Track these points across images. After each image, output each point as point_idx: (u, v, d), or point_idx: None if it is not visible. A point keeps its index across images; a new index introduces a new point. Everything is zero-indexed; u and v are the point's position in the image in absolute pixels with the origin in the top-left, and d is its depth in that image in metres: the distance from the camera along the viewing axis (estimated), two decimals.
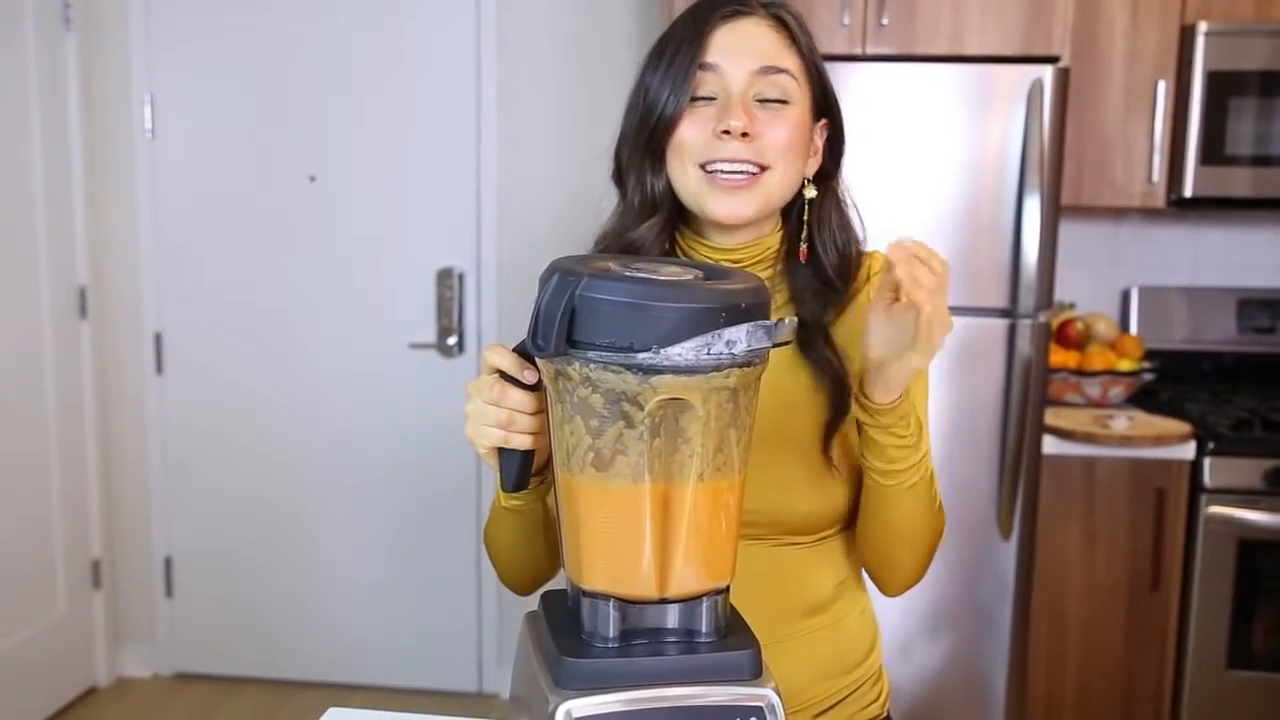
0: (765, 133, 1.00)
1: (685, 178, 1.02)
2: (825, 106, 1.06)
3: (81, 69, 2.79)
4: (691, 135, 1.00)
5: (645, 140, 1.03)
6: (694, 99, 1.01)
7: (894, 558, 1.05)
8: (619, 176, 1.08)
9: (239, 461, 2.96)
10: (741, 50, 1.00)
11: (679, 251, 1.08)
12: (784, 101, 1.01)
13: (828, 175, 1.09)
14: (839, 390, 1.02)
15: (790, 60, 1.02)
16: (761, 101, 1.01)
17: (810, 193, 1.06)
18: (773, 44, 1.02)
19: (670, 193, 1.04)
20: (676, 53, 1.01)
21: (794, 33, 1.03)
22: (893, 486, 0.98)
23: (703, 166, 1.01)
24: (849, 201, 1.10)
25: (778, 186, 1.02)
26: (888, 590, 1.09)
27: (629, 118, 1.06)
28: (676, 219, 1.07)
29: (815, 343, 1.04)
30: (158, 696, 2.95)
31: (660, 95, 1.01)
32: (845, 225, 1.09)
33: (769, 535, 1.05)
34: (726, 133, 0.98)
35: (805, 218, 1.06)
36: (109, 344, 2.93)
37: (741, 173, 1.00)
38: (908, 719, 2.28)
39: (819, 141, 1.08)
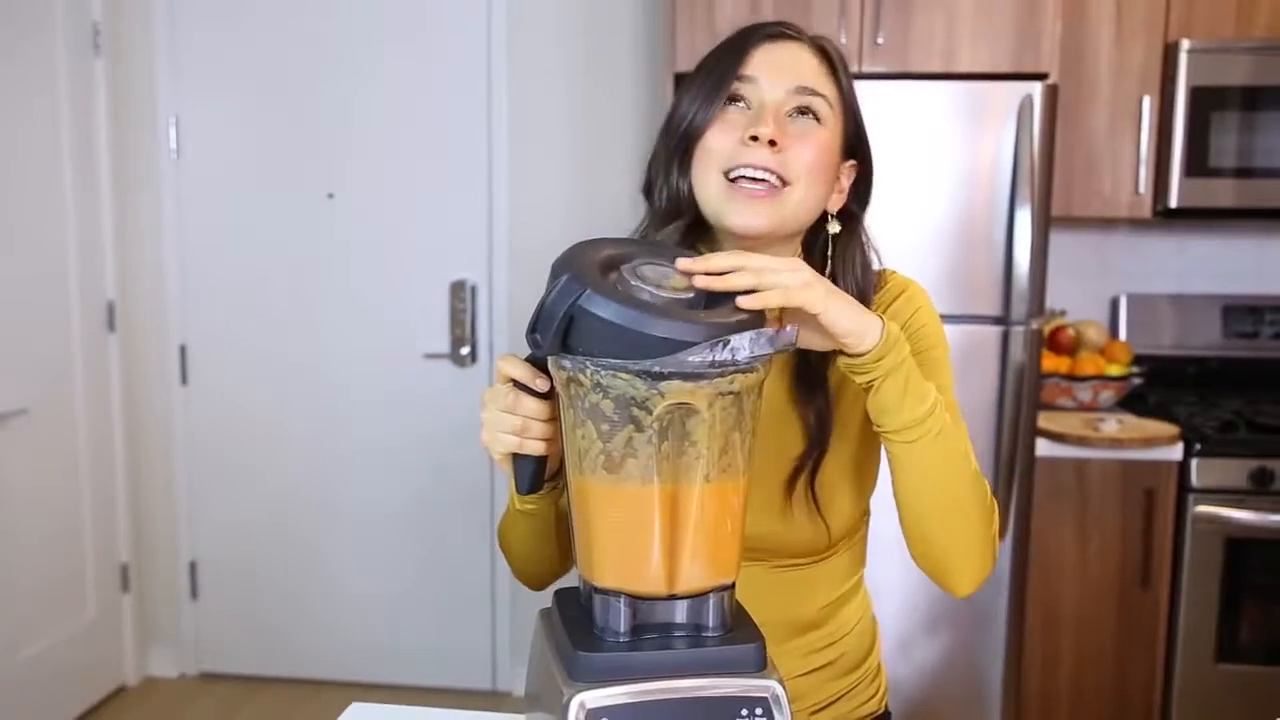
0: (792, 145, 0.97)
1: (707, 186, 0.99)
2: (856, 146, 1.04)
3: (110, 92, 2.86)
4: (719, 141, 0.98)
5: (675, 144, 1.01)
6: (728, 101, 0.99)
7: (950, 539, 0.96)
8: (649, 189, 1.06)
9: (261, 469, 3.02)
10: (782, 67, 0.99)
11: None
12: (816, 120, 0.99)
13: (852, 217, 1.06)
14: (820, 436, 1.01)
15: (828, 87, 1.00)
16: (793, 115, 0.99)
17: (834, 228, 1.04)
18: (814, 69, 1.00)
19: (694, 199, 1.02)
20: (716, 65, 1.00)
21: (835, 65, 1.01)
22: (915, 441, 0.91)
23: (726, 174, 0.98)
24: (871, 247, 1.07)
25: (797, 205, 0.99)
26: (958, 588, 1.00)
27: (662, 133, 1.04)
28: (698, 230, 1.04)
29: (813, 383, 1.01)
30: (184, 695, 3.00)
31: (694, 101, 1.00)
32: (866, 268, 1.05)
33: (768, 559, 1.04)
34: (754, 139, 0.96)
35: (830, 253, 1.04)
36: (136, 356, 2.99)
37: (763, 181, 0.97)
38: (907, 714, 2.31)
39: (845, 182, 1.05)
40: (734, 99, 1.00)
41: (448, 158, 2.87)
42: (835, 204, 1.04)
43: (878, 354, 0.88)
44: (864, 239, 1.07)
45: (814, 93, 0.99)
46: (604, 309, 0.75)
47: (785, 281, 0.82)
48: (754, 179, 0.97)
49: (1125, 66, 2.48)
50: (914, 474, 0.94)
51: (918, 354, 0.98)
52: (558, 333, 0.77)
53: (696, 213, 1.02)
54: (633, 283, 0.79)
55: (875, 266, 1.07)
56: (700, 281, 0.81)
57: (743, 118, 0.99)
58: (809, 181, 0.98)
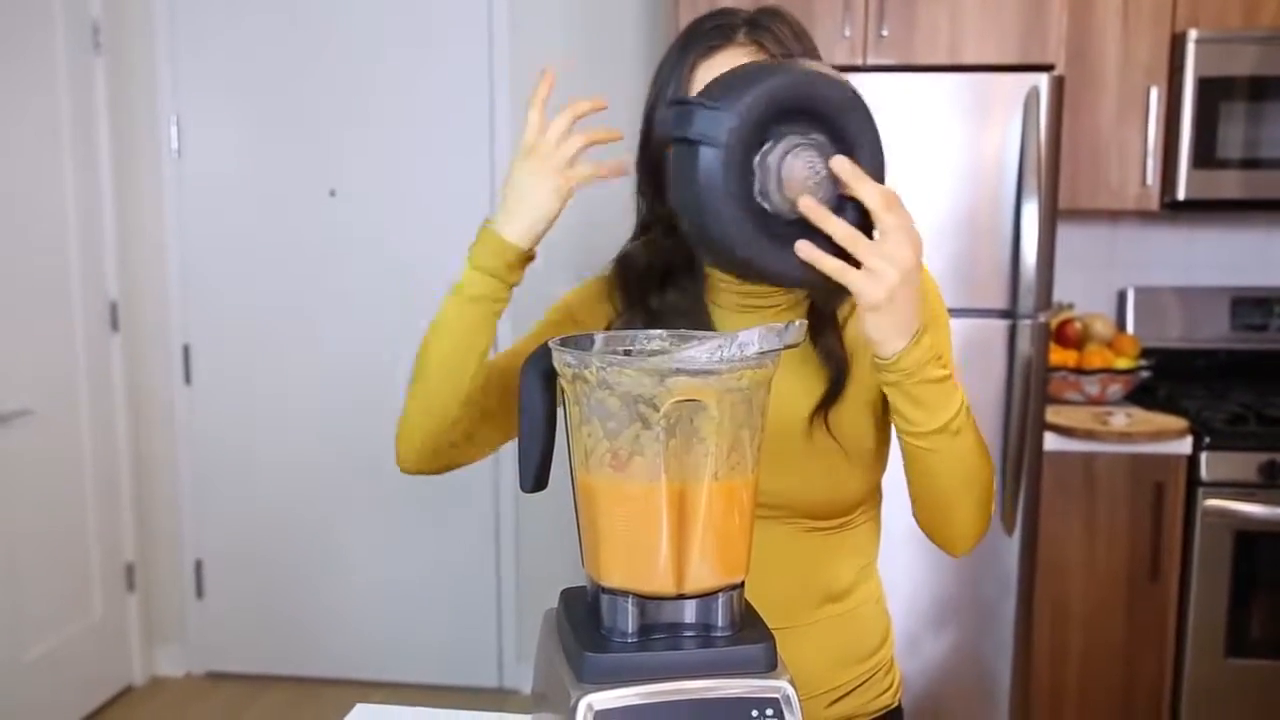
0: None
1: None
2: None
3: (110, 91, 2.86)
4: None
5: (648, 166, 1.05)
6: None
7: (955, 509, 1.01)
8: (640, 191, 1.10)
9: (265, 468, 3.03)
10: None
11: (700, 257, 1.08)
12: None
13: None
14: (839, 380, 1.04)
15: None
16: None
17: None
18: None
19: (669, 212, 1.06)
20: (665, 86, 1.03)
21: (773, 52, 1.01)
22: (941, 441, 0.94)
23: None
24: None
25: None
26: (955, 548, 1.05)
27: (640, 143, 1.08)
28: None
29: (824, 331, 1.05)
30: (190, 694, 3.01)
31: (655, 126, 1.03)
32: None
33: (790, 519, 1.06)
34: None
35: None
36: (139, 356, 3.00)
37: None
38: (916, 710, 2.30)
39: None
40: None
41: (449, 154, 2.87)
42: None
43: (896, 363, 0.90)
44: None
45: None
46: (715, 198, 0.80)
47: (873, 266, 0.84)
48: None
49: (1132, 57, 2.48)
50: (921, 467, 0.98)
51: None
52: (674, 133, 0.83)
53: (672, 224, 1.05)
54: (771, 171, 0.81)
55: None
56: (825, 225, 0.83)
57: None
58: None
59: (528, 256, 1.00)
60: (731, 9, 1.04)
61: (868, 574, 1.13)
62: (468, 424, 1.04)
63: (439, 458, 1.06)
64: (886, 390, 0.94)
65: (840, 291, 0.97)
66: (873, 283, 0.84)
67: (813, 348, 1.05)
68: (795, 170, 0.83)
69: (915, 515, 1.05)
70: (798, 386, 1.05)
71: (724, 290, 1.08)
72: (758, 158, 0.83)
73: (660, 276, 1.07)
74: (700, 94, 0.86)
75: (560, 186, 0.97)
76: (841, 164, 0.84)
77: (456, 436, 1.05)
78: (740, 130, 0.82)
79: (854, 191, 0.84)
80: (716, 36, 1.02)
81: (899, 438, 0.98)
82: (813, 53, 1.04)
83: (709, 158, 0.82)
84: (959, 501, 1.00)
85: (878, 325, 0.88)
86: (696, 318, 1.06)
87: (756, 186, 0.83)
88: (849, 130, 0.86)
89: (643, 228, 1.09)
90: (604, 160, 0.99)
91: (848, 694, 1.10)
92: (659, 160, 1.03)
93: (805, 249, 0.84)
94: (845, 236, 0.84)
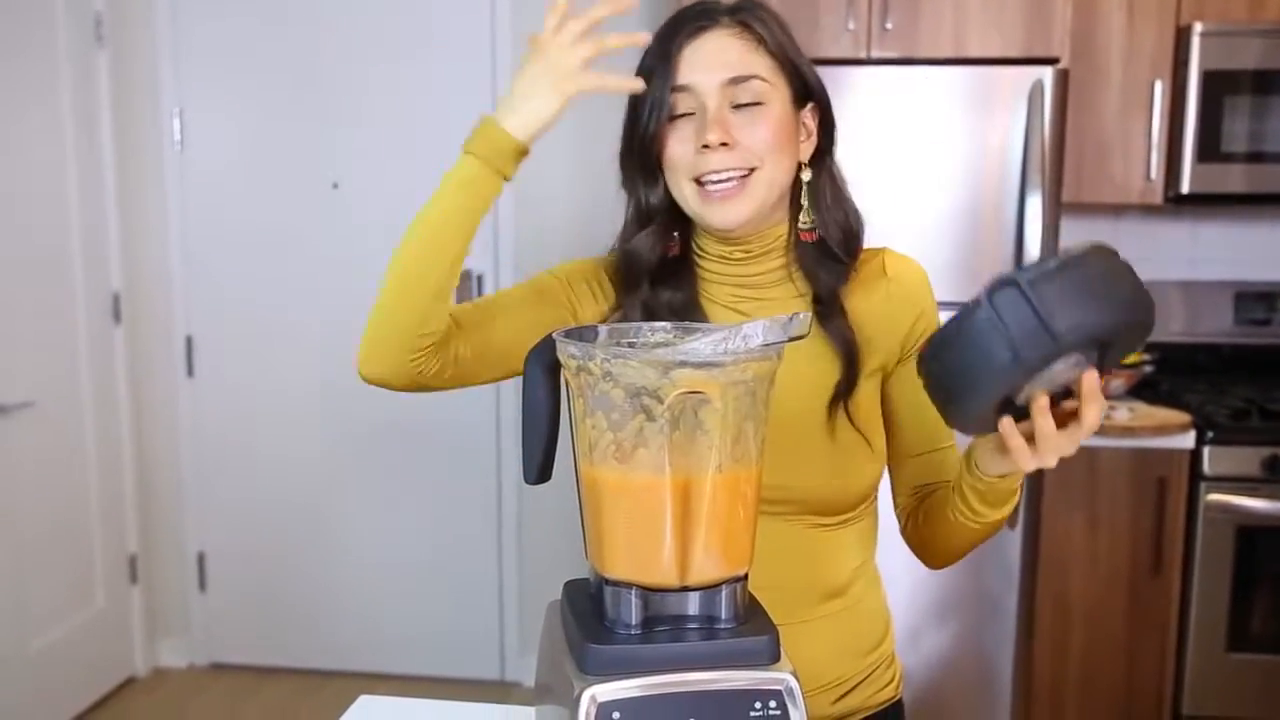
0: (744, 137, 1.01)
1: (681, 193, 1.05)
2: (806, 93, 1.07)
3: (113, 84, 2.86)
4: (679, 151, 1.03)
5: (637, 158, 1.06)
6: (674, 118, 1.03)
7: (958, 554, 1.11)
8: (626, 185, 1.10)
9: (267, 460, 3.03)
10: (709, 65, 1.02)
11: (694, 247, 1.10)
12: (759, 104, 1.02)
13: (822, 155, 1.09)
14: (851, 362, 1.05)
15: (759, 63, 1.03)
16: (738, 108, 1.02)
17: (806, 175, 1.08)
18: (739, 52, 1.03)
19: (666, 203, 1.07)
20: (651, 76, 1.03)
21: (760, 33, 1.03)
22: (983, 524, 1.02)
23: (695, 180, 1.03)
24: (842, 178, 1.11)
25: (768, 183, 1.03)
26: (934, 567, 1.14)
27: (624, 134, 1.08)
28: (685, 221, 1.08)
29: (832, 314, 1.06)
30: (193, 686, 3.02)
31: (642, 116, 1.04)
32: (840, 199, 1.09)
33: (795, 514, 1.06)
34: (707, 146, 1.01)
35: (804, 200, 1.08)
36: (142, 348, 3.00)
37: (729, 180, 1.02)
38: (918, 704, 2.29)
39: (811, 124, 1.08)
40: (679, 113, 1.03)
41: (453, 146, 2.84)
42: (807, 151, 1.08)
43: (994, 482, 0.97)
44: (835, 173, 1.10)
45: (746, 78, 1.02)
46: (987, 382, 0.81)
47: (1044, 453, 0.88)
48: (720, 180, 1.02)
49: (1137, 51, 2.47)
50: (951, 530, 1.06)
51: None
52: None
53: (673, 213, 1.08)
54: (1042, 377, 0.81)
55: (850, 195, 1.11)
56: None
57: (691, 125, 1.03)
58: (773, 159, 1.03)
59: (522, 150, 1.00)
60: (713, 2, 1.06)
61: (867, 568, 1.14)
62: (436, 325, 1.01)
63: (402, 364, 1.03)
64: (965, 489, 1.00)
65: (841, 275, 1.07)
66: (1034, 461, 0.89)
67: (824, 336, 1.06)
68: (1057, 377, 0.83)
69: (907, 535, 1.14)
70: (815, 380, 1.06)
71: (719, 286, 1.09)
72: (1044, 369, 0.81)
73: (657, 271, 1.08)
74: (1038, 278, 0.78)
75: (566, 89, 0.97)
76: (1091, 382, 0.84)
77: (424, 342, 1.01)
78: (1052, 354, 0.79)
79: (1083, 407, 0.86)
80: (703, 18, 1.04)
81: (953, 517, 1.03)
82: (791, 36, 1.06)
83: (1003, 358, 0.78)
84: (966, 550, 1.09)
85: (1001, 464, 0.94)
86: (691, 315, 1.06)
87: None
88: (1123, 344, 0.86)
89: (642, 217, 1.08)
90: (610, 74, 0.99)
91: (852, 689, 1.11)
92: (646, 147, 1.04)
93: (1007, 428, 0.87)
94: (1048, 435, 0.86)
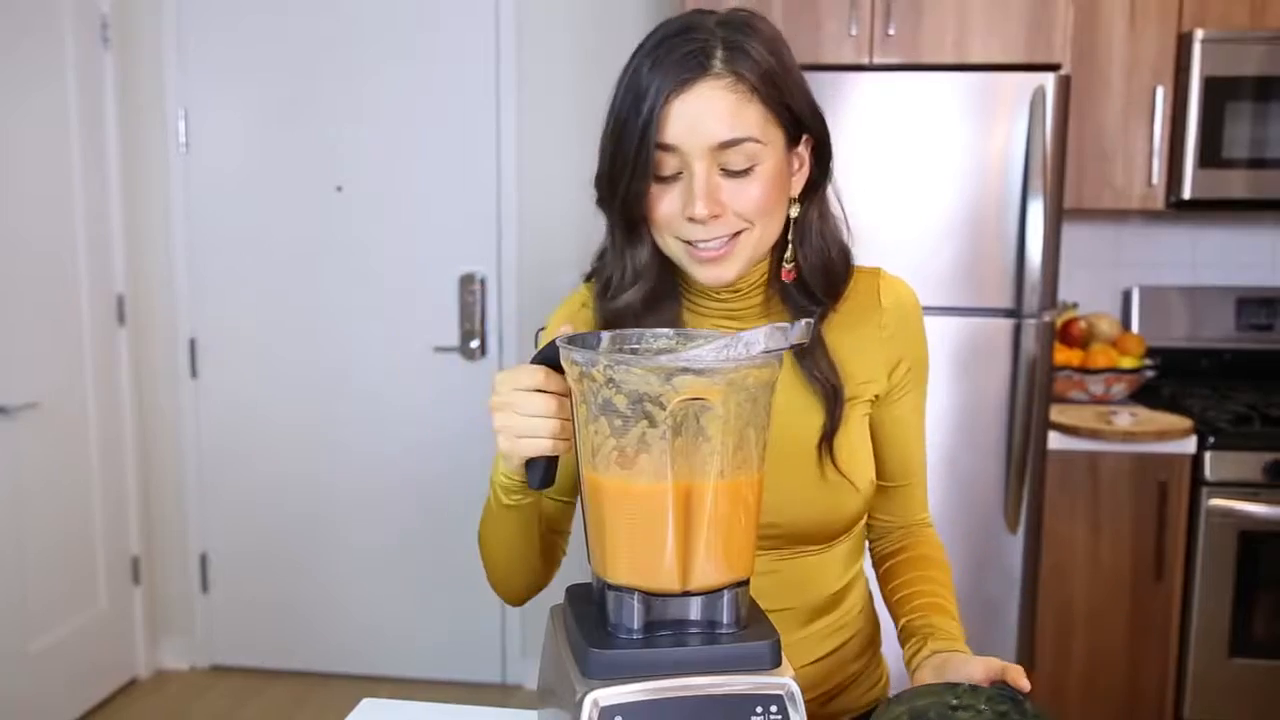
0: (734, 202, 0.96)
1: (669, 248, 1.01)
2: (800, 127, 1.00)
3: (119, 86, 2.87)
4: (665, 211, 0.98)
5: (620, 214, 1.00)
6: (659, 179, 0.96)
7: None
8: (602, 206, 1.03)
9: (270, 462, 3.03)
10: (698, 126, 0.93)
11: (681, 280, 1.06)
12: (751, 165, 0.96)
13: (815, 186, 1.04)
14: (834, 401, 1.03)
15: (752, 119, 0.95)
16: (725, 175, 0.96)
17: (794, 211, 1.03)
18: (730, 108, 0.94)
19: (654, 259, 1.02)
20: (633, 130, 0.94)
21: (751, 82, 0.94)
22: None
23: (683, 239, 0.99)
24: (835, 209, 1.06)
25: (758, 241, 0.99)
26: None
27: (602, 159, 0.99)
28: (666, 282, 1.05)
29: (812, 354, 1.04)
30: (195, 687, 3.02)
31: (624, 173, 0.96)
32: (827, 232, 1.05)
33: (781, 546, 1.05)
34: (693, 219, 0.96)
35: (790, 237, 1.03)
36: (146, 350, 3.01)
37: (717, 242, 0.97)
38: None
39: (805, 154, 1.03)
40: (664, 174, 0.96)
41: (457, 150, 2.88)
42: (798, 185, 1.03)
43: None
44: (826, 203, 1.06)
45: (736, 141, 0.94)
46: None
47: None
48: (708, 242, 0.98)
49: (1138, 57, 2.47)
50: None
51: (916, 371, 1.11)
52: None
53: (658, 276, 1.03)
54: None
55: (840, 227, 1.07)
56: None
57: (678, 188, 0.97)
58: (764, 219, 0.99)
59: (515, 484, 1.00)
60: (701, 22, 0.96)
61: (855, 581, 1.14)
62: (549, 561, 1.12)
63: (541, 581, 1.13)
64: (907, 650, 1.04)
65: (820, 316, 1.05)
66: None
67: (801, 372, 1.04)
68: None
69: (875, 564, 1.18)
70: (801, 420, 1.04)
71: (703, 317, 1.07)
72: None
73: (642, 303, 1.03)
74: None
75: (519, 451, 0.91)
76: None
77: (541, 577, 1.12)
78: None
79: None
80: (692, 67, 0.93)
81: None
82: (788, 64, 0.98)
83: None
84: None
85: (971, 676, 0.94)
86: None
87: None
88: None
89: (631, 275, 1.03)
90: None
91: (841, 692, 1.12)
92: (630, 205, 0.98)
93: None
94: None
